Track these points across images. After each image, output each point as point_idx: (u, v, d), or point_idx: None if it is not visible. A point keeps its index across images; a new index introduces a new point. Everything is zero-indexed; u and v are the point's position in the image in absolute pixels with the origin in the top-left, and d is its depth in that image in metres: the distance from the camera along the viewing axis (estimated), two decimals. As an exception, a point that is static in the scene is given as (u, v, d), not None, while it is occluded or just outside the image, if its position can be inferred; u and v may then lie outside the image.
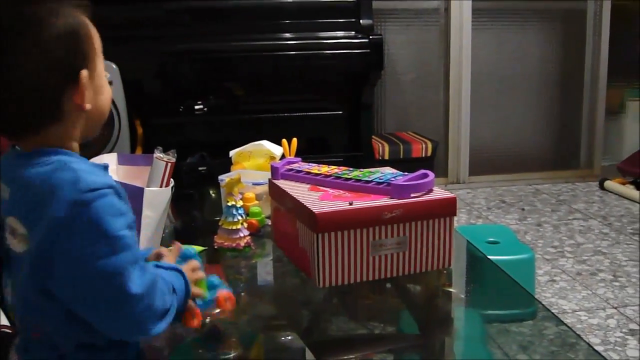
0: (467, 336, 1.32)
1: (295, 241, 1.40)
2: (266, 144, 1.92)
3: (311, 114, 3.58)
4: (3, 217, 0.96)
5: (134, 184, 1.41)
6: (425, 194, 1.38)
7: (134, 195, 1.30)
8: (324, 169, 1.55)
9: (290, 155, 1.88)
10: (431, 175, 1.41)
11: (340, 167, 1.56)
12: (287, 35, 3.42)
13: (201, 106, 3.39)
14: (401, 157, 3.92)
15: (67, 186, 0.89)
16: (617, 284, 2.91)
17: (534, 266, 2.56)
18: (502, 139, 4.59)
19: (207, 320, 1.19)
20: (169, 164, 1.57)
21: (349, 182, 1.45)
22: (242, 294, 1.36)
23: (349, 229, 1.30)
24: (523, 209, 3.97)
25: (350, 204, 1.32)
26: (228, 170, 1.88)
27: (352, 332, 1.31)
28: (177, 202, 1.66)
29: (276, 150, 1.90)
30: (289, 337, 1.24)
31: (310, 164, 1.61)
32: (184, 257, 1.19)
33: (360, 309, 1.40)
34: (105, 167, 0.99)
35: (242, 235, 1.56)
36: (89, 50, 0.97)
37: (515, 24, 4.46)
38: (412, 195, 1.36)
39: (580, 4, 4.53)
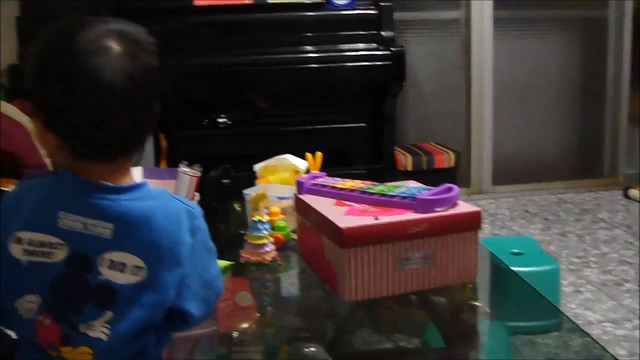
0: (492, 348, 1.33)
1: (321, 255, 1.42)
2: (291, 158, 1.93)
3: (333, 126, 3.58)
4: (95, 254, 0.97)
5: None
6: (450, 208, 1.39)
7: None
8: (349, 183, 1.56)
9: (314, 169, 1.90)
10: (456, 189, 1.42)
11: (365, 182, 1.57)
12: (309, 48, 3.44)
13: (224, 119, 3.42)
14: (424, 168, 3.91)
15: (183, 214, 1.03)
16: (643, 294, 2.89)
17: (559, 277, 2.55)
18: (525, 149, 4.56)
19: (235, 334, 1.21)
20: (194, 179, 1.60)
21: (373, 196, 1.46)
22: (268, 307, 1.38)
23: (374, 244, 1.31)
24: (547, 219, 3.95)
25: (376, 218, 1.33)
26: (252, 183, 1.89)
27: (377, 345, 1.32)
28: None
29: (301, 164, 1.91)
30: (314, 349, 1.26)
31: (335, 178, 1.62)
32: None
33: (385, 321, 1.41)
34: None
35: (268, 249, 1.57)
36: None
37: (536, 33, 4.44)
38: (437, 209, 1.37)
39: (601, 12, 4.50)
